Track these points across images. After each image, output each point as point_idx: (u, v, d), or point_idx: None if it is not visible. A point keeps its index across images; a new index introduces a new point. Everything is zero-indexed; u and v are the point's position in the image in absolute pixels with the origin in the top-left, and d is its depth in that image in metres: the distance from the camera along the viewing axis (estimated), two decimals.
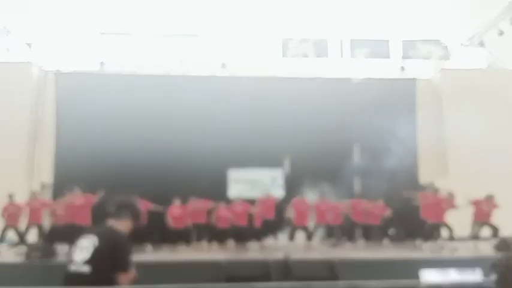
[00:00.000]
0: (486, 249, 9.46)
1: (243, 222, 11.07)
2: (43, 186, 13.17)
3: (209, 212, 11.40)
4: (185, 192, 11.79)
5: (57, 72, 14.18)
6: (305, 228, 10.96)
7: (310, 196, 11.75)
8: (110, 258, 2.83)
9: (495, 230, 10.07)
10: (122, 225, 3.03)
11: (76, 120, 13.30)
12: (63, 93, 13.88)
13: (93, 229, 3.08)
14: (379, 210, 11.30)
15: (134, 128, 13.27)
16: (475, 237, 10.20)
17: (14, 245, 9.92)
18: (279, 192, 13.72)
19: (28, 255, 7.81)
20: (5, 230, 9.73)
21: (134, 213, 3.13)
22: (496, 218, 10.23)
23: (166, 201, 11.42)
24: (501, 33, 11.84)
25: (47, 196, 12.87)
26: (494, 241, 9.54)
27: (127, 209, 3.11)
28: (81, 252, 2.83)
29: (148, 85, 13.93)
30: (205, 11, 14.77)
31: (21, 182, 12.41)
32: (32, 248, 8.15)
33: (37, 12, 14.28)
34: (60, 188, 12.64)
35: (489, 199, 10.32)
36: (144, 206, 10.86)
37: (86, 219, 9.69)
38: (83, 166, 12.43)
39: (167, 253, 10.21)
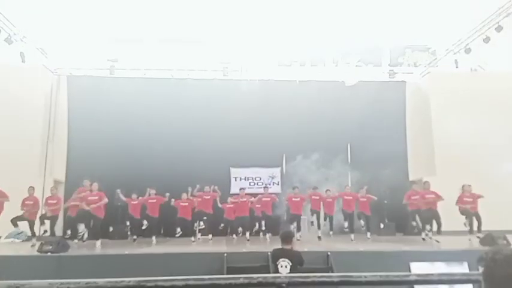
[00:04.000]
0: (473, 242, 9.45)
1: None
2: (56, 183, 13.15)
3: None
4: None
5: (70, 76, 14.17)
6: (299, 218, 11.12)
7: (306, 192, 11.74)
8: (299, 262, 5.35)
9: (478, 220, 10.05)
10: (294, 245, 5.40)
11: (87, 121, 13.32)
12: (75, 96, 13.90)
13: (286, 253, 5.29)
14: (366, 199, 11.35)
15: (142, 129, 13.31)
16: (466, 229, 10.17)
17: (26, 239, 9.87)
18: (276, 189, 13.77)
19: (41, 249, 7.77)
20: (15, 220, 9.67)
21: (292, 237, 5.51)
22: (481, 215, 10.19)
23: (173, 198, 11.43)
24: (487, 39, 11.79)
25: (60, 192, 12.88)
26: (480, 234, 9.52)
27: (289, 236, 5.50)
28: (283, 268, 5.17)
29: (156, 88, 13.95)
30: (209, 20, 14.75)
31: (36, 179, 12.38)
32: (45, 241, 8.11)
33: (50, 19, 14.25)
34: (72, 185, 12.66)
35: (468, 190, 10.30)
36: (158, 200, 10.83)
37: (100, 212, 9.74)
38: (94, 164, 12.44)
39: (172, 245, 10.16)
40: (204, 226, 11.55)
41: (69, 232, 10.05)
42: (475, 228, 9.98)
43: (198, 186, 11.29)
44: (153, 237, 10.84)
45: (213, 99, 13.65)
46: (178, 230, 10.79)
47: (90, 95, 13.62)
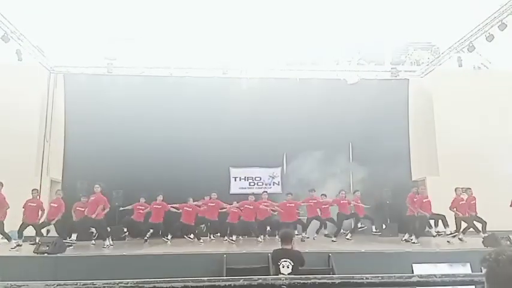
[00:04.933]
0: (476, 243, 9.45)
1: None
2: (53, 183, 13.16)
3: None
4: (190, 189, 11.81)
5: (67, 74, 14.16)
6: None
7: (306, 193, 11.73)
8: (300, 261, 5.40)
9: (479, 224, 10.07)
10: (292, 245, 5.43)
11: (84, 119, 13.30)
12: (72, 94, 13.88)
13: (287, 253, 5.37)
14: (360, 202, 11.42)
15: (140, 128, 13.27)
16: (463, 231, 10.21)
17: (24, 240, 9.88)
18: (277, 189, 13.77)
19: (37, 250, 7.77)
20: (22, 225, 9.75)
21: (292, 237, 5.55)
22: (483, 215, 10.22)
23: (170, 198, 11.45)
24: (490, 37, 11.78)
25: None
26: (483, 235, 9.53)
27: (289, 236, 5.49)
28: (285, 268, 5.29)
29: (154, 86, 13.92)
30: (209, 17, 14.74)
31: (32, 178, 12.39)
32: (42, 242, 8.11)
33: (47, 16, 14.25)
34: (68, 184, 12.68)
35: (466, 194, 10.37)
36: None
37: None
38: (91, 164, 12.45)
39: (171, 246, 10.17)
40: (204, 229, 11.69)
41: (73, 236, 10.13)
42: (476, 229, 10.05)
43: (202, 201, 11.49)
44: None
45: (213, 97, 13.62)
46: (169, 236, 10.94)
47: (88, 94, 13.61)
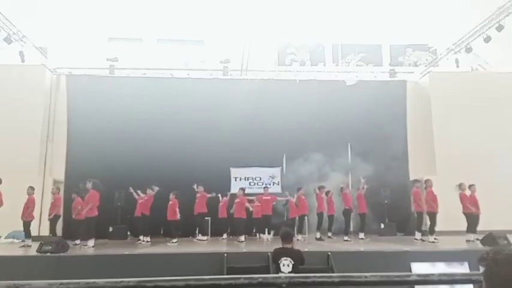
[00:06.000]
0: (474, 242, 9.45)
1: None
2: (55, 183, 13.15)
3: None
4: (190, 189, 11.79)
5: (69, 75, 14.16)
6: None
7: (306, 192, 11.73)
8: (300, 260, 5.37)
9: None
10: (292, 244, 5.51)
11: (87, 120, 13.31)
12: (74, 95, 13.88)
13: (287, 252, 5.37)
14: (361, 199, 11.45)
15: (142, 128, 13.29)
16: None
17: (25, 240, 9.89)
18: (276, 189, 13.76)
19: (40, 249, 7.76)
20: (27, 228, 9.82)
21: (292, 236, 5.68)
22: (482, 214, 10.18)
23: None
24: (488, 38, 11.78)
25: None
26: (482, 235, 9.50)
27: (289, 236, 5.54)
28: (285, 267, 5.27)
29: (155, 87, 13.92)
30: (209, 19, 14.76)
31: (35, 179, 12.37)
32: (45, 242, 8.10)
33: (50, 18, 14.27)
34: (71, 184, 12.66)
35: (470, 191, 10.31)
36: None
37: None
38: (93, 164, 12.43)
39: (171, 245, 10.16)
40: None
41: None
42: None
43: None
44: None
45: (213, 98, 13.63)
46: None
47: (90, 95, 13.62)
